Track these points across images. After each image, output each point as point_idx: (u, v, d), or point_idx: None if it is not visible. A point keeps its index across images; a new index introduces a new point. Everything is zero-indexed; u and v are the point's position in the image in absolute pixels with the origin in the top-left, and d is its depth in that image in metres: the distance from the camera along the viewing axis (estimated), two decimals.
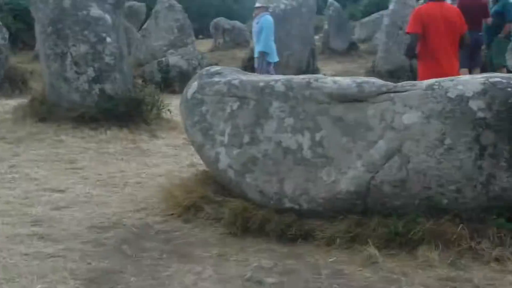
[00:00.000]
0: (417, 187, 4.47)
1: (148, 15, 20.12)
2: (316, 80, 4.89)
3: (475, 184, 4.39)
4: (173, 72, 14.41)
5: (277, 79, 5.06)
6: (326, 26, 22.07)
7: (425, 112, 4.46)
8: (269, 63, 11.23)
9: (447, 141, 4.38)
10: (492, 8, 11.18)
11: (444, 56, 6.74)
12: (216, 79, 5.30)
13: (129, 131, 8.87)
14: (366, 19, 27.89)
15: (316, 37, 21.18)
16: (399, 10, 15.44)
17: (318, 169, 4.70)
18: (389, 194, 4.53)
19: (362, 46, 22.96)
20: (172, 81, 14.00)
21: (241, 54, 19.31)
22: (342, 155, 4.65)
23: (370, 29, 25.55)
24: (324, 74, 13.82)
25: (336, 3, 22.46)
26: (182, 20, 16.76)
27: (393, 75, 13.78)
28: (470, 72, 10.11)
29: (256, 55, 11.37)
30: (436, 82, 4.60)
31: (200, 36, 28.54)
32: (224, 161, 5.02)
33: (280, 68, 13.65)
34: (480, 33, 10.70)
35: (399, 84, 4.77)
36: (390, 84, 4.77)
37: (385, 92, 4.66)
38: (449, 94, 4.44)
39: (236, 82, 5.15)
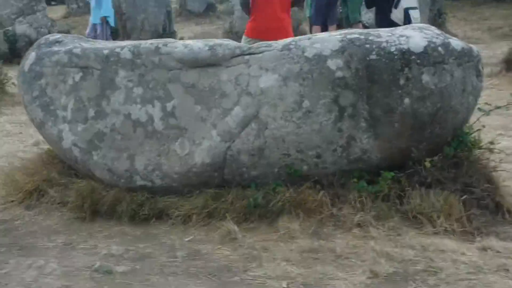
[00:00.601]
0: (276, 155, 4.24)
1: None
2: (165, 44, 4.50)
3: (335, 148, 4.22)
4: (21, 42, 13.48)
5: (123, 46, 4.63)
6: None
7: (282, 74, 4.20)
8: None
9: (305, 104, 4.16)
10: None
11: (271, 11, 6.60)
12: (55, 48, 4.78)
13: None
14: None
15: None
16: None
17: (171, 142, 4.35)
18: (247, 163, 4.27)
19: (220, 7, 22.53)
20: (20, 51, 12.96)
21: None
22: (196, 125, 4.33)
23: None
24: (182, 38, 13.49)
25: None
26: None
27: None
28: (326, 29, 10.03)
29: (96, 21, 10.71)
30: (292, 41, 4.36)
31: (53, 3, 27.02)
32: (68, 139, 4.54)
33: (136, 32, 13.13)
34: None
35: (254, 45, 4.49)
36: (245, 45, 4.48)
37: (239, 55, 4.37)
38: (306, 54, 4.21)
39: (77, 50, 4.66)
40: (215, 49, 4.37)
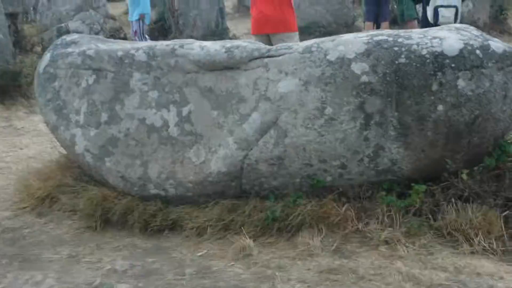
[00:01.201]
0: (297, 164, 3.95)
1: None
2: (182, 46, 4.27)
3: (361, 158, 3.91)
4: None
5: (138, 47, 4.41)
6: None
7: (303, 78, 3.91)
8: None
9: (328, 110, 3.86)
10: None
11: (260, 4, 6.54)
12: (70, 49, 4.59)
13: (4, 107, 7.98)
14: None
15: None
16: None
17: (186, 149, 4.11)
18: (266, 173, 3.99)
19: None
20: None
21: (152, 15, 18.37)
22: (212, 131, 4.08)
23: None
24: (234, 35, 13.26)
25: None
26: None
27: (305, 31, 13.14)
28: (378, 27, 9.65)
29: (134, 17, 10.52)
30: (314, 43, 4.06)
31: None
32: (80, 144, 4.33)
33: (188, 29, 13.05)
34: None
35: (273, 47, 4.21)
36: (264, 47, 4.20)
37: (258, 58, 4.10)
38: (329, 57, 3.91)
39: (91, 52, 4.46)
40: (232, 52, 4.12)
